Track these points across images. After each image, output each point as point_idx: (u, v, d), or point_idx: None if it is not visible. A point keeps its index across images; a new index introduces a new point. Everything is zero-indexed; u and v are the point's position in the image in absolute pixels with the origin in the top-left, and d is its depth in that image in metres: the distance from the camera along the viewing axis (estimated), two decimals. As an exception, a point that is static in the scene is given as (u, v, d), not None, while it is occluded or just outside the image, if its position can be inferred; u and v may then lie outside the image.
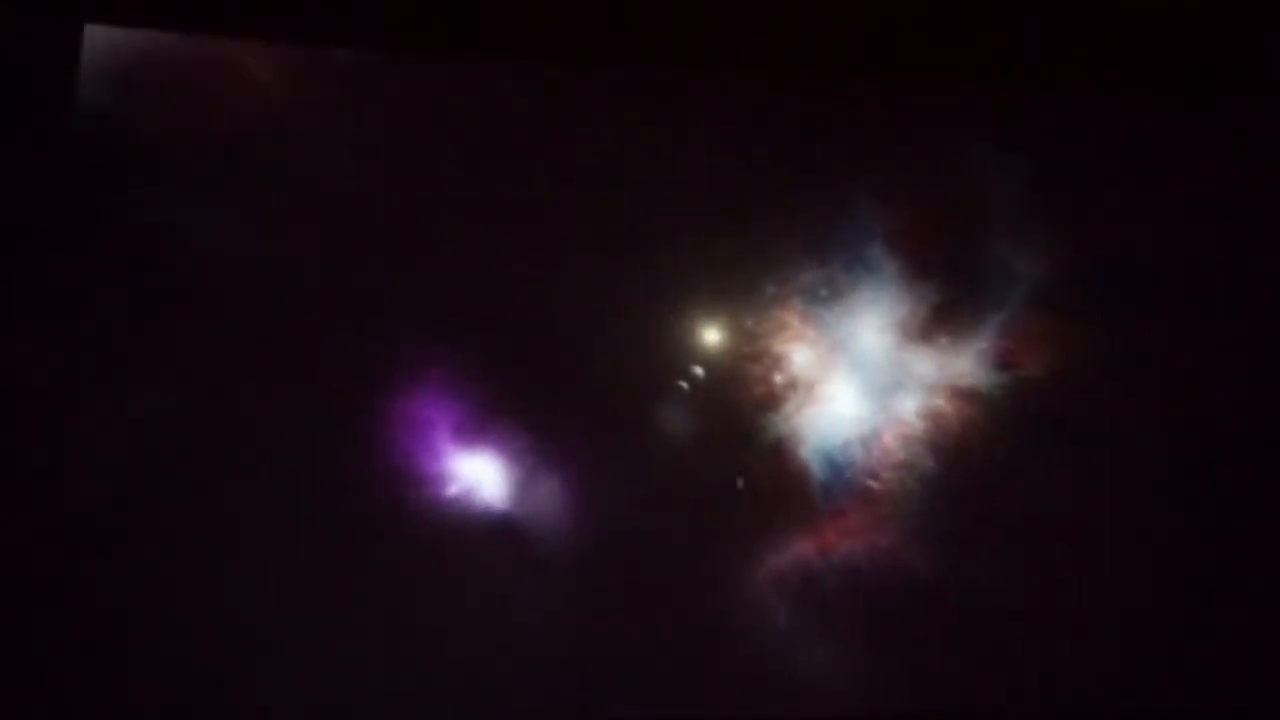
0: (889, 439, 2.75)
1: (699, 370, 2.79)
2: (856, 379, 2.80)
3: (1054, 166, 3.01)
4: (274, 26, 3.15)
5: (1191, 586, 2.75)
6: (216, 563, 2.75)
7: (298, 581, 2.68)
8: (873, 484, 2.72)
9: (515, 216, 2.93)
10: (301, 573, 2.68)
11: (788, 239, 2.86)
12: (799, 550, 2.68)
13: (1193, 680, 2.72)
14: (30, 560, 2.79)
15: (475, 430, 2.77)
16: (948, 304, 2.82)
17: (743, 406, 2.78)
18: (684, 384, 2.78)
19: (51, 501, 2.78)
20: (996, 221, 2.90)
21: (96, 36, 3.11)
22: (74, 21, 3.16)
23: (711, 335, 2.82)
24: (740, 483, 2.72)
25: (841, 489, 2.72)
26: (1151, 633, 2.73)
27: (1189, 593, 2.75)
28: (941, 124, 3.02)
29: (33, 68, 3.13)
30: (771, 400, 2.78)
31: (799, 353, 2.82)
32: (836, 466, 2.73)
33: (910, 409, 2.78)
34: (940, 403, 2.77)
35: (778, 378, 2.80)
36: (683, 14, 3.07)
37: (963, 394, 2.78)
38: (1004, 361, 2.79)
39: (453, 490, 2.73)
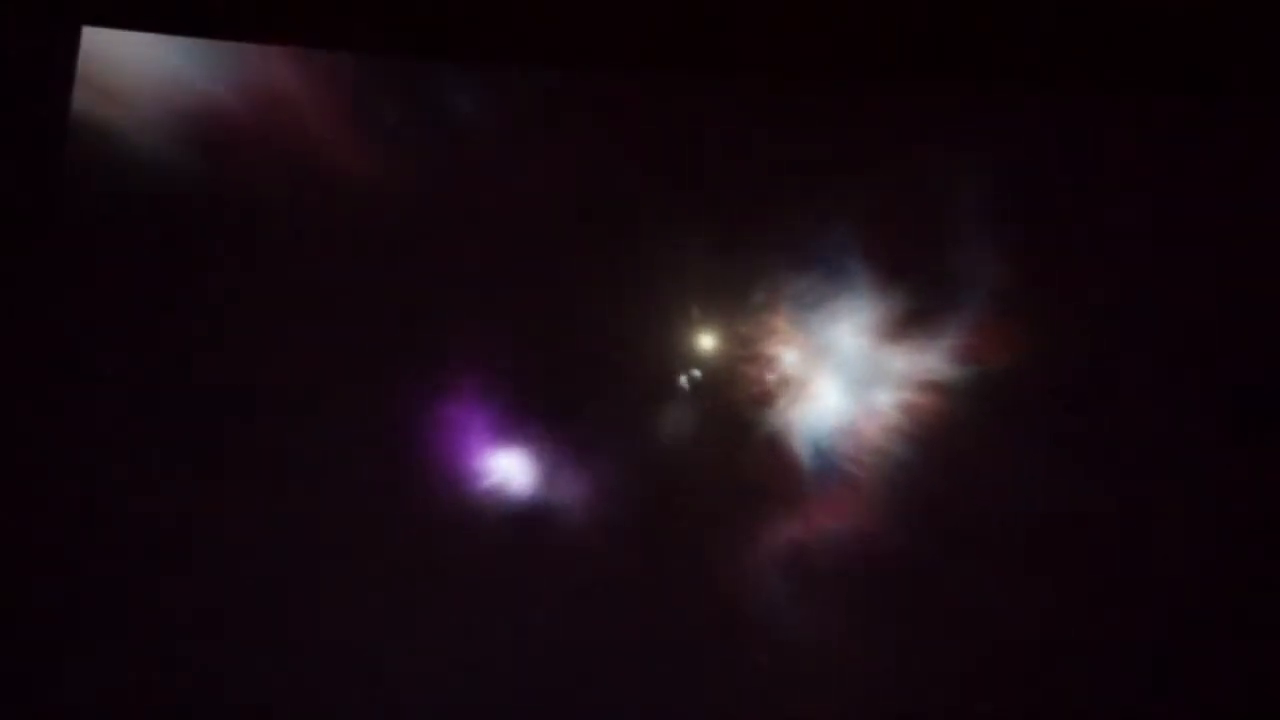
0: (869, 429, 3.02)
1: (697, 372, 3.06)
2: (839, 376, 3.04)
3: (1034, 168, 3.06)
4: (273, 28, 3.18)
5: (1153, 565, 2.97)
6: (258, 555, 2.96)
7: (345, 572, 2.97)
8: (855, 469, 3.01)
9: (524, 228, 3.08)
10: (344, 564, 2.97)
11: (776, 251, 3.02)
12: (792, 528, 3.01)
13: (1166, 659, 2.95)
14: (66, 558, 2.95)
15: (502, 430, 3.05)
16: (919, 307, 3.00)
17: (739, 403, 3.04)
18: (685, 384, 3.05)
19: (76, 499, 2.95)
20: (968, 225, 3.02)
21: (96, 41, 3.11)
22: (72, 23, 3.16)
23: (708, 341, 3.06)
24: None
25: (828, 474, 3.02)
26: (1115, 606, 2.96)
27: (1152, 570, 2.97)
28: (929, 128, 3.06)
29: (29, 69, 3.13)
30: (765, 397, 3.04)
31: (788, 354, 3.05)
32: (824, 454, 3.02)
33: (887, 402, 3.02)
34: (913, 395, 3.02)
35: (770, 377, 3.05)
36: (682, 17, 3.06)
37: (933, 387, 3.01)
38: (968, 357, 3.00)
39: (486, 483, 3.04)
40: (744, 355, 3.07)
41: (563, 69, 3.13)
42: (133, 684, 2.93)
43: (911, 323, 3.03)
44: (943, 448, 2.99)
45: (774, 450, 3.03)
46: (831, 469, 3.02)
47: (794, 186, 3.04)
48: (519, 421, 3.06)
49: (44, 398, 3.02)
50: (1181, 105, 3.08)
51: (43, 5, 3.16)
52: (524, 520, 3.02)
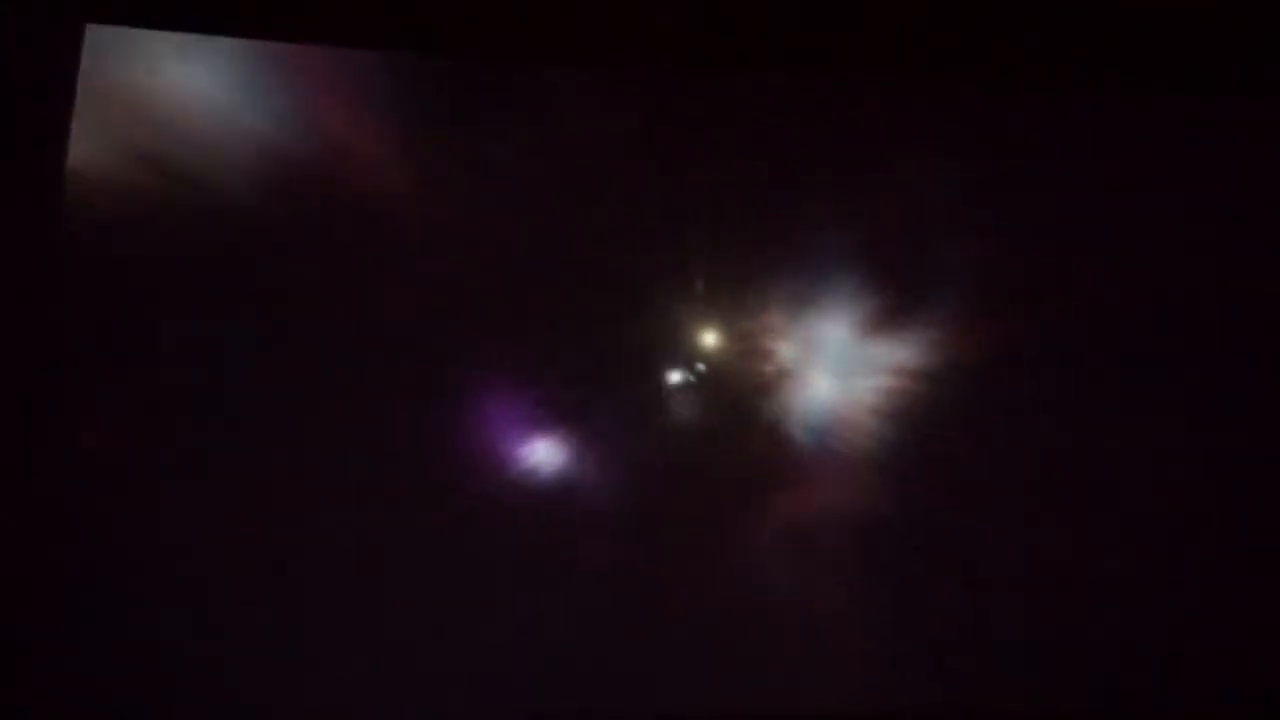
0: (855, 412, 3.34)
1: (702, 366, 3.37)
2: (828, 367, 3.36)
3: (1018, 168, 3.26)
4: (278, 26, 3.22)
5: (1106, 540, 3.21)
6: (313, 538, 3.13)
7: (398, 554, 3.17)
8: (843, 446, 3.32)
9: (545, 241, 3.32)
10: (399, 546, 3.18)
11: (771, 254, 3.34)
12: (789, 499, 3.31)
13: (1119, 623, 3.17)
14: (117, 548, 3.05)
15: (531, 422, 3.31)
16: (897, 304, 3.31)
17: (741, 392, 3.35)
18: (693, 378, 3.36)
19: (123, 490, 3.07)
20: (946, 225, 3.31)
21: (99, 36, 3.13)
22: (76, 21, 3.14)
23: (712, 338, 3.38)
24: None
25: (820, 451, 3.33)
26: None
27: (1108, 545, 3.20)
28: (922, 129, 3.28)
29: (33, 68, 3.09)
30: (763, 387, 3.35)
31: (783, 348, 3.36)
32: (815, 434, 3.33)
33: (870, 388, 3.34)
34: (892, 382, 3.34)
35: (767, 369, 3.36)
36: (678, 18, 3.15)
37: (909, 374, 3.34)
38: (940, 348, 3.31)
39: (516, 469, 3.30)
40: (743, 350, 3.37)
41: (564, 67, 3.28)
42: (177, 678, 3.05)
43: (891, 318, 3.35)
44: (919, 427, 3.31)
45: (772, 433, 3.33)
46: (823, 447, 3.32)
47: (784, 192, 3.34)
48: (546, 414, 3.32)
49: (45, 399, 3.06)
50: (1181, 105, 3.20)
51: (45, 2, 3.14)
52: (552, 499, 3.27)
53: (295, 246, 3.29)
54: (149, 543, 3.10)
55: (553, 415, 3.31)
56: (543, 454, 3.30)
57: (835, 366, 3.37)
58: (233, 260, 3.25)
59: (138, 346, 3.17)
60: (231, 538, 3.13)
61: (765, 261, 3.37)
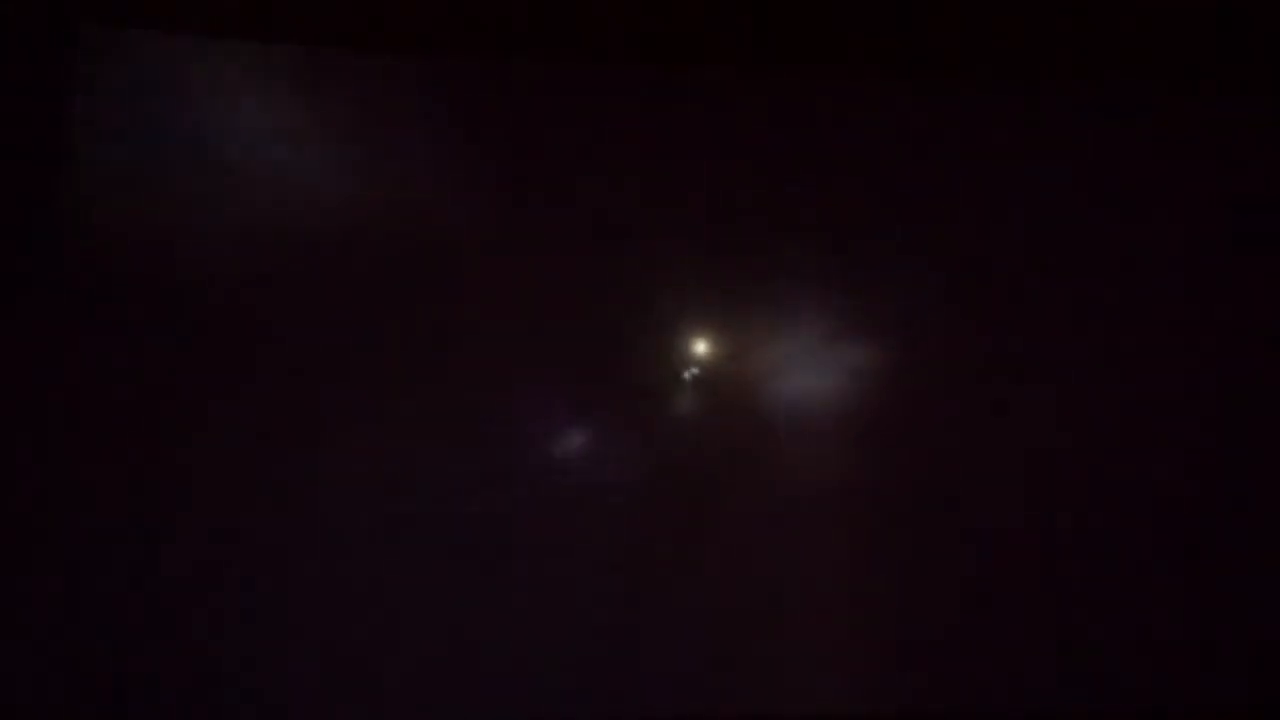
0: (826, 404, 3.78)
1: (696, 370, 3.79)
2: (803, 367, 3.77)
3: (983, 172, 3.44)
4: (276, 27, 3.25)
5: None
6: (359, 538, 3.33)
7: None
8: (817, 436, 3.77)
9: (559, 255, 3.66)
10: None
11: (752, 267, 3.76)
12: (774, 479, 3.72)
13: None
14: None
15: (550, 420, 3.68)
16: (860, 309, 3.75)
17: (730, 390, 3.77)
18: (688, 379, 3.78)
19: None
20: (901, 237, 3.67)
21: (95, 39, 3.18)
22: (72, 21, 3.17)
23: (703, 346, 3.81)
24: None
25: (798, 439, 3.75)
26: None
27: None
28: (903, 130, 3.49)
29: (29, 69, 3.11)
30: (748, 385, 3.77)
31: (764, 352, 3.78)
32: (794, 425, 3.76)
33: (837, 385, 3.77)
34: (854, 381, 3.78)
35: (751, 369, 3.79)
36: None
37: (869, 373, 3.77)
38: (898, 349, 3.74)
39: (540, 461, 3.65)
40: (730, 354, 3.79)
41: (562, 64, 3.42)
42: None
43: (854, 324, 3.81)
44: (879, 412, 3.73)
45: (757, 424, 3.76)
46: (800, 436, 3.77)
47: (765, 208, 3.73)
48: (564, 413, 3.70)
49: (48, 403, 3.14)
50: (1182, 105, 3.16)
51: (41, 4, 3.14)
52: (570, 487, 3.63)
53: (304, 254, 3.49)
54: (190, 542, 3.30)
55: (573, 414, 3.67)
56: (565, 447, 3.65)
57: (807, 366, 3.79)
58: (246, 267, 3.45)
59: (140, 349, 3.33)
60: (247, 540, 3.35)
61: (750, 277, 3.82)
